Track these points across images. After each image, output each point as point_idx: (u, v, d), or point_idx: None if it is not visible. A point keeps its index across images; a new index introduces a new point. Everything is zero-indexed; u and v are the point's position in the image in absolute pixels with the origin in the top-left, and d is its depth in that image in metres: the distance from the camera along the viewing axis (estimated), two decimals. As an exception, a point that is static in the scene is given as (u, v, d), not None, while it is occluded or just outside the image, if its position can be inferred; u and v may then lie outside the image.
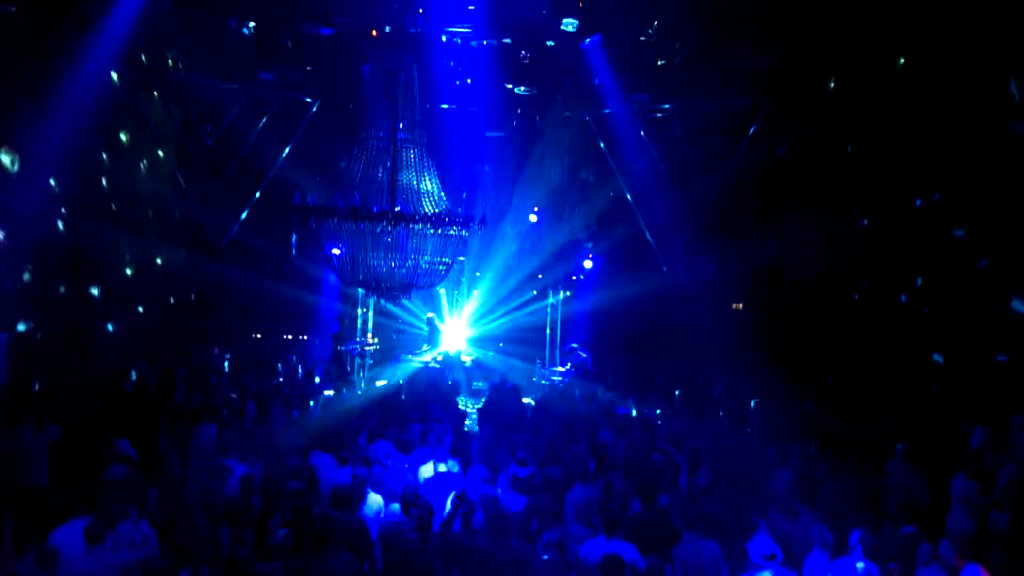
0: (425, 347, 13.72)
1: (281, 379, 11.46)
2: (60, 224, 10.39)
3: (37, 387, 9.45)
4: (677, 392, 11.01)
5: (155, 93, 12.31)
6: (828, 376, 10.62)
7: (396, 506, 5.92)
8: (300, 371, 11.86)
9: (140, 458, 6.92)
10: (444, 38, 10.96)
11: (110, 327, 11.64)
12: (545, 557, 5.14)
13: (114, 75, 11.08)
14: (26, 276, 9.72)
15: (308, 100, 12.64)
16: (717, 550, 5.36)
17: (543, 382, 13.35)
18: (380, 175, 7.57)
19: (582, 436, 7.99)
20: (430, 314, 14.34)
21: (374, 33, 10.48)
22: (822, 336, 10.76)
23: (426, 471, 6.69)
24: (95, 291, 11.33)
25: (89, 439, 7.08)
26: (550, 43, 11.20)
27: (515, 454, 6.88)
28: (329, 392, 11.02)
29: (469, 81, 12.13)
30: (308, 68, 12.24)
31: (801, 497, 6.39)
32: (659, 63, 11.44)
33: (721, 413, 9.87)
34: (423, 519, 5.39)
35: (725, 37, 10.47)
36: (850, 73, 10.07)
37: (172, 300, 13.08)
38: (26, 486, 6.23)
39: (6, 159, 9.16)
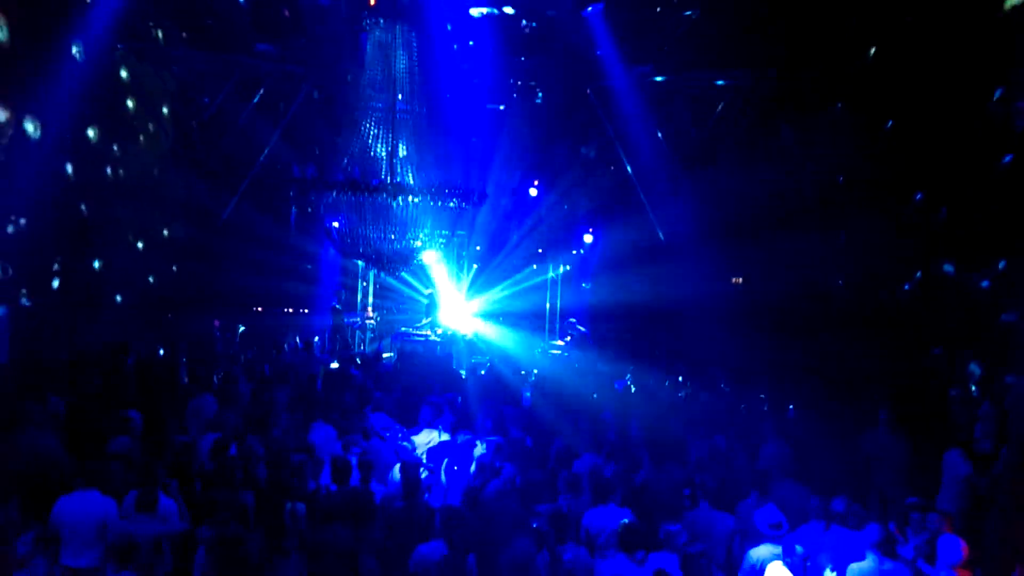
0: (425, 320, 13.73)
1: (287, 352, 11.51)
2: (59, 198, 10.33)
3: (39, 362, 9.49)
4: (683, 366, 11.03)
5: (151, 66, 12.17)
6: (826, 350, 10.65)
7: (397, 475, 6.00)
8: (300, 344, 11.91)
9: (144, 431, 6.97)
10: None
11: (110, 301, 11.65)
12: (535, 525, 5.22)
13: (109, 48, 10.93)
14: (26, 251, 9.69)
15: (306, 71, 12.48)
16: (731, 523, 5.42)
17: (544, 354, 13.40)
18: (378, 147, 7.51)
19: (583, 410, 8.05)
20: (429, 290, 14.35)
21: (372, 2, 10.30)
22: (820, 311, 10.78)
23: (422, 440, 6.76)
24: (95, 265, 11.32)
25: (93, 412, 7.13)
26: (551, 13, 11.02)
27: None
28: (334, 365, 11.08)
29: (470, 43, 11.90)
30: (306, 39, 12.05)
31: (796, 468, 6.45)
32: (663, 35, 11.28)
33: (720, 385, 9.93)
34: (410, 487, 5.47)
35: (729, 8, 10.30)
36: (858, 46, 9.92)
37: (172, 274, 13.08)
38: (31, 460, 6.27)
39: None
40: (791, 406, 8.67)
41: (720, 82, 11.75)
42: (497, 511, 5.35)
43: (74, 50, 9.70)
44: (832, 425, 7.68)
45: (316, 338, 11.38)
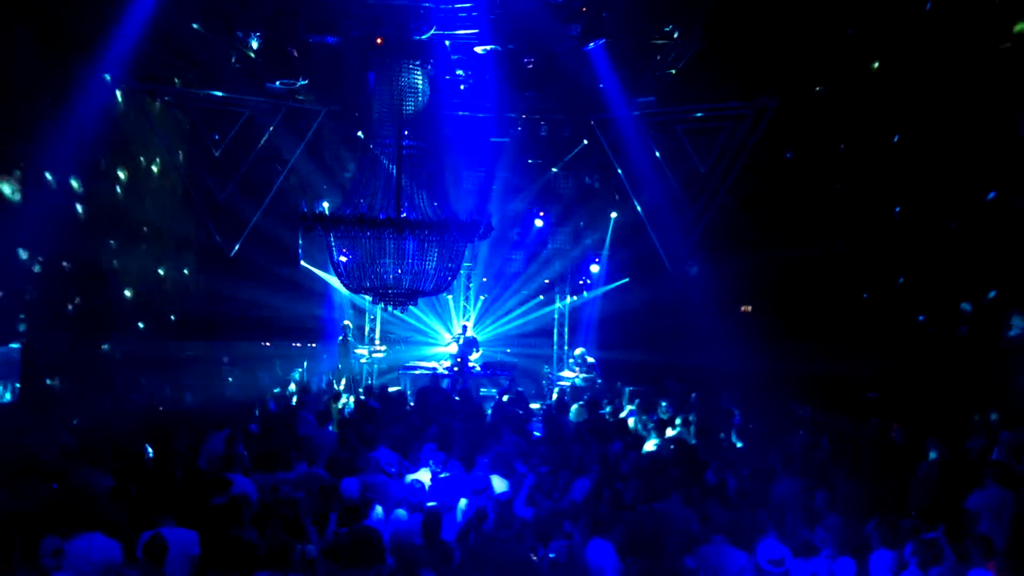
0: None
1: (293, 391, 11.50)
2: (71, 237, 10.48)
3: (50, 399, 9.53)
4: (693, 395, 10.93)
5: (162, 104, 12.43)
6: (840, 378, 10.54)
7: (402, 512, 5.94)
8: (306, 380, 11.90)
9: (154, 467, 6.98)
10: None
11: (121, 339, 11.72)
12: (552, 555, 5.15)
13: (121, 89, 11.20)
14: (37, 288, 9.79)
15: (315, 109, 12.71)
16: (744, 559, 5.32)
17: (554, 387, 13.34)
18: (385, 182, 7.60)
19: (592, 444, 7.98)
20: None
21: (379, 41, 10.49)
22: (833, 337, 10.71)
23: (424, 477, 6.70)
24: (105, 302, 11.42)
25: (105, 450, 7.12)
26: (553, 48, 11.19)
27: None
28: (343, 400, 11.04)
29: (468, 79, 12.08)
30: (314, 77, 12.28)
31: (809, 502, 6.35)
32: (664, 66, 11.41)
33: (734, 417, 9.82)
34: (430, 525, 5.40)
35: (729, 39, 10.42)
36: (854, 72, 10.01)
37: (182, 310, 13.18)
38: (38, 497, 6.25)
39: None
40: (798, 437, 8.55)
41: (722, 112, 11.86)
42: (498, 549, 5.28)
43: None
44: (851, 456, 7.59)
45: (326, 377, 11.37)
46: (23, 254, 9.47)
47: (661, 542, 5.66)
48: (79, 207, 10.64)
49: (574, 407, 10.20)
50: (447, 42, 10.57)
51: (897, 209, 9.83)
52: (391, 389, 12.03)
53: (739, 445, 8.71)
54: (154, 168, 12.65)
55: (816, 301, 11.11)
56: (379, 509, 5.90)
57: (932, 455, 7.11)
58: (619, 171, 13.14)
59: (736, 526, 5.57)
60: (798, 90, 10.67)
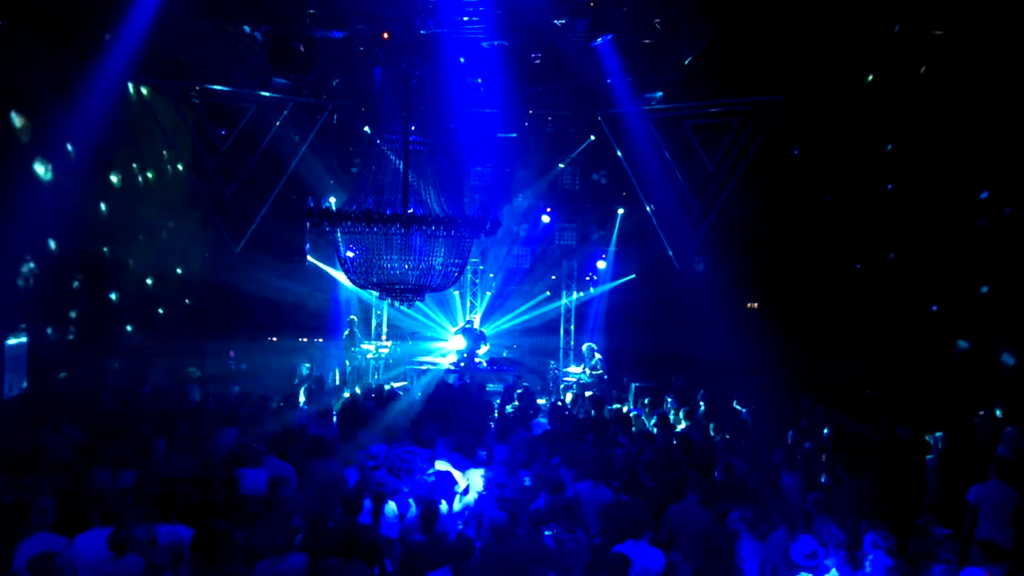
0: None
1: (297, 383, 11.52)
2: (78, 231, 10.50)
3: (57, 392, 9.57)
4: (701, 392, 10.91)
5: (169, 100, 12.45)
6: (846, 376, 10.51)
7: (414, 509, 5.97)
8: (316, 375, 11.91)
9: (163, 461, 7.00)
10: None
11: (128, 332, 11.77)
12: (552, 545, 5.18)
13: (130, 83, 11.22)
14: (45, 283, 9.83)
15: (321, 104, 12.71)
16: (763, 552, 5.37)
17: (561, 384, 13.34)
18: (391, 178, 7.58)
19: (598, 440, 7.97)
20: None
21: (385, 36, 10.46)
22: (841, 334, 10.67)
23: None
24: (113, 296, 11.46)
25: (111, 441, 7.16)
26: (560, 44, 11.14)
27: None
28: (346, 395, 11.05)
29: (480, 80, 12.09)
30: (321, 71, 12.27)
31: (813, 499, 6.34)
32: (672, 62, 11.35)
33: (741, 414, 9.81)
34: (428, 519, 5.43)
35: (737, 35, 10.36)
36: (867, 69, 9.93)
37: (188, 304, 13.22)
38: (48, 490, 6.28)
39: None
40: (791, 432, 8.53)
41: (730, 108, 11.81)
42: (513, 543, 5.29)
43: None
44: (855, 455, 7.57)
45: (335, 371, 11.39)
46: (29, 249, 9.49)
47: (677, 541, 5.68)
48: (86, 203, 10.66)
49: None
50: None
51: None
52: (396, 385, 12.06)
53: (745, 443, 8.68)
54: (161, 163, 12.67)
55: (821, 300, 11.05)
56: (392, 505, 5.91)
57: (936, 450, 7.09)
58: (626, 167, 13.12)
59: (758, 522, 5.59)
60: (808, 87, 10.59)
